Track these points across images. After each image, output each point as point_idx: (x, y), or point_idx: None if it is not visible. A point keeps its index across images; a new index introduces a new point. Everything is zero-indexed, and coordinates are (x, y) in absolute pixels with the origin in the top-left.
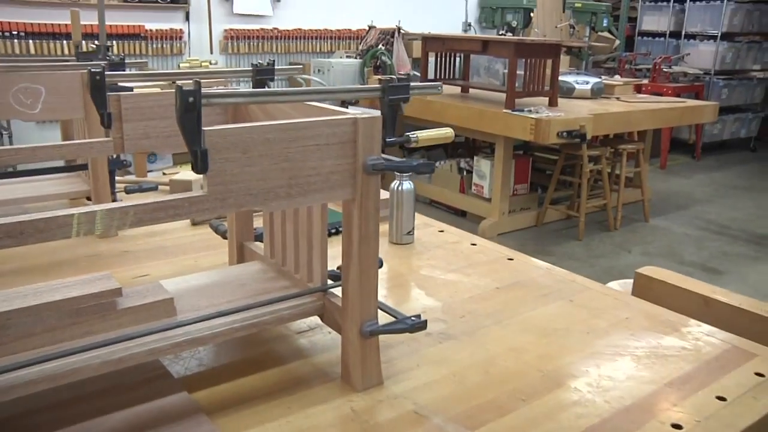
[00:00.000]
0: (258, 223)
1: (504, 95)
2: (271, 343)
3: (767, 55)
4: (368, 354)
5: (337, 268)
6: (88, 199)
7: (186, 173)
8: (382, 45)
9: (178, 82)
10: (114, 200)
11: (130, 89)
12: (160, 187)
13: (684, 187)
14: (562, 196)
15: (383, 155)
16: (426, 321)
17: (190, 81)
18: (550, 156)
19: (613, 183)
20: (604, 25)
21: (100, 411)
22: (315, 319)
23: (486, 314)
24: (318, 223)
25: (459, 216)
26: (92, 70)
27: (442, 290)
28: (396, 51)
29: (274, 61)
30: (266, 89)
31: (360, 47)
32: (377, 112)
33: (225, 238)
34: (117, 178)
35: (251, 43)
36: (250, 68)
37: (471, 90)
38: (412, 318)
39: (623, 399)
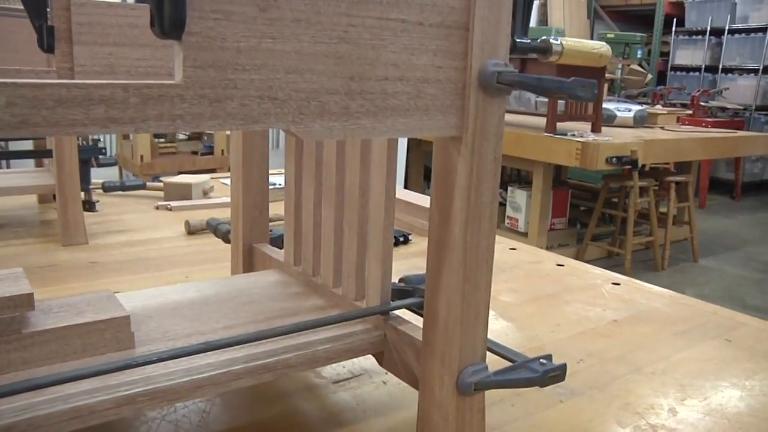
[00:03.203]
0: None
1: (541, 120)
2: (293, 400)
3: None
4: (469, 422)
5: (399, 280)
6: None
7: (186, 176)
8: None
9: None
10: (88, 199)
11: None
12: (150, 191)
13: (729, 227)
14: (601, 232)
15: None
16: (565, 366)
17: None
18: (582, 191)
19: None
20: (638, 56)
21: None
22: (360, 362)
23: (613, 358)
24: (378, 204)
25: None
26: None
27: (537, 323)
28: None
29: None
30: None
31: None
32: None
33: (227, 241)
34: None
35: None
36: None
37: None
38: (541, 360)
39: None
